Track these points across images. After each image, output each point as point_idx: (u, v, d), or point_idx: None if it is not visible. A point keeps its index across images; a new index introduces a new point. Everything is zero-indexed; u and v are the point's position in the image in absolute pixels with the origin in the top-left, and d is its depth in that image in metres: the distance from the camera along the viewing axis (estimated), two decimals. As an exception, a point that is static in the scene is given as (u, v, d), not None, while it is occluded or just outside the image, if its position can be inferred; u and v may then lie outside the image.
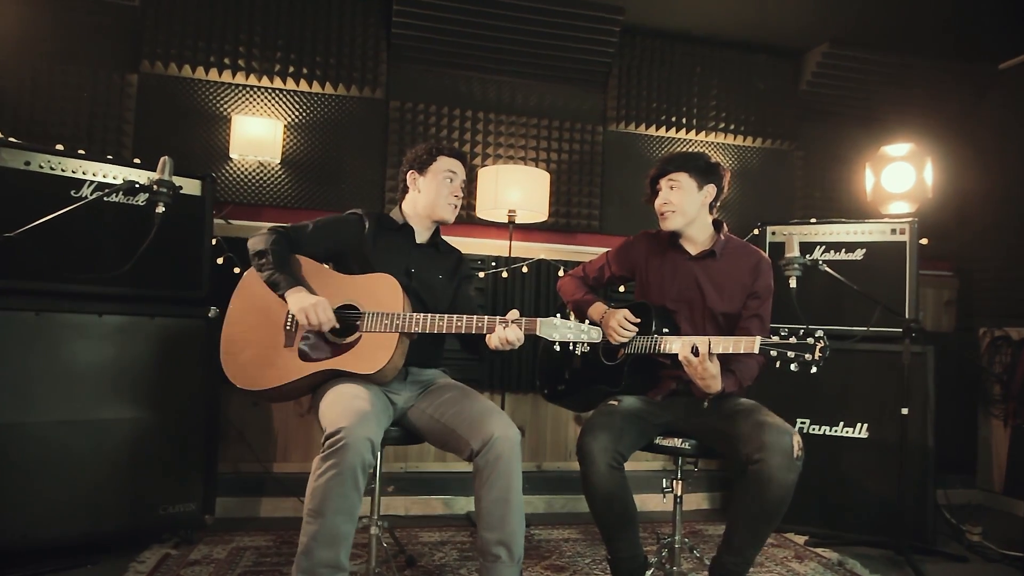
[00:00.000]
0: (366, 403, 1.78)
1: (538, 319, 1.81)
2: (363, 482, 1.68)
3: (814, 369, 1.76)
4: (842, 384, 2.95)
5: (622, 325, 2.10)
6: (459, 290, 2.23)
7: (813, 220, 3.18)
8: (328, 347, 1.93)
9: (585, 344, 1.80)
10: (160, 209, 2.16)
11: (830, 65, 3.77)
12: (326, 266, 2.08)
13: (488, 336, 1.84)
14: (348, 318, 1.94)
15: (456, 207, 2.16)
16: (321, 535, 1.65)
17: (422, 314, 1.88)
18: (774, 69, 3.89)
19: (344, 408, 1.74)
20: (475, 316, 1.86)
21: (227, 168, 3.21)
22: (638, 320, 2.10)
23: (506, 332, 1.80)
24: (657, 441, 2.15)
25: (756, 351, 1.84)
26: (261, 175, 3.25)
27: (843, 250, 3.08)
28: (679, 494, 2.20)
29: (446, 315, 1.87)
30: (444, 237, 2.27)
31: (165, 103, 3.15)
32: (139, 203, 2.43)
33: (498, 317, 1.84)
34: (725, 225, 2.25)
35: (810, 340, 1.76)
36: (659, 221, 2.21)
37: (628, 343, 2.12)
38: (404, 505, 3.10)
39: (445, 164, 2.12)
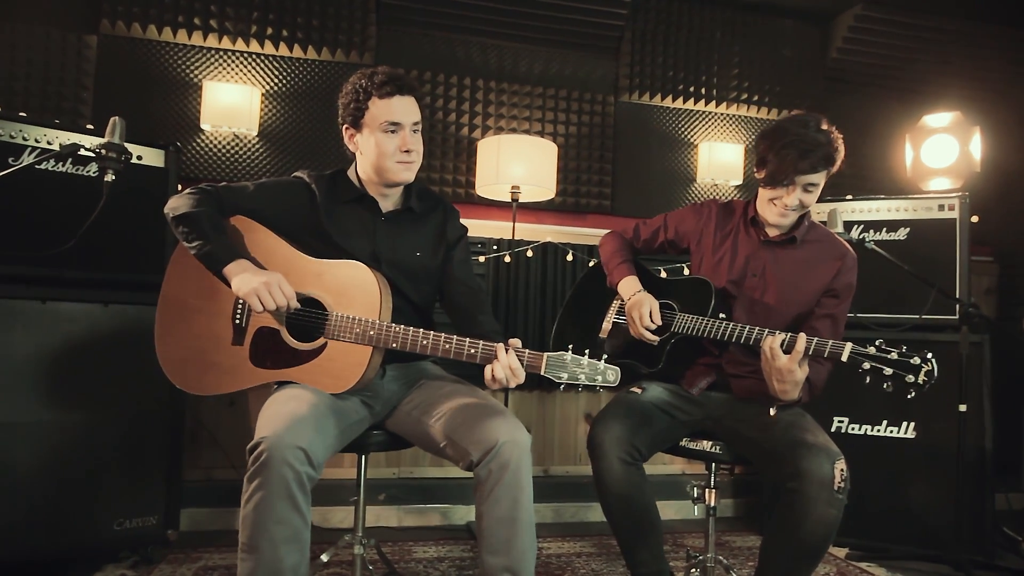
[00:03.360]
0: (302, 405, 1.44)
1: (544, 355, 1.47)
2: (304, 498, 1.37)
3: (912, 395, 1.49)
4: (886, 378, 2.64)
5: (643, 322, 1.80)
6: (448, 265, 1.79)
7: (849, 197, 2.87)
8: (286, 351, 1.58)
9: (599, 387, 1.48)
10: (109, 177, 1.91)
11: (863, 29, 3.47)
12: (282, 239, 1.65)
13: (485, 370, 1.49)
14: (310, 319, 1.57)
15: (411, 164, 1.65)
16: (260, 573, 1.34)
17: (401, 327, 1.51)
18: (801, 34, 3.59)
19: (272, 414, 1.42)
20: (467, 340, 1.50)
21: (198, 140, 2.90)
22: (660, 324, 1.82)
23: (502, 373, 1.46)
24: (684, 443, 1.86)
25: (845, 359, 1.54)
26: (236, 148, 2.95)
27: (884, 229, 2.77)
28: (712, 504, 1.92)
29: (431, 334, 1.52)
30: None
31: (128, 68, 2.84)
32: (92, 174, 2.15)
33: (497, 345, 1.48)
34: (811, 209, 1.87)
35: (915, 359, 1.49)
36: (768, 212, 1.81)
37: (676, 321, 1.82)
38: (397, 516, 2.79)
39: (382, 112, 1.61)
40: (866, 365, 1.52)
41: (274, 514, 1.33)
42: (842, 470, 1.53)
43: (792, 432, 1.64)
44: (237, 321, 1.62)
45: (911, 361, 1.49)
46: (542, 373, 1.47)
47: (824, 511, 1.51)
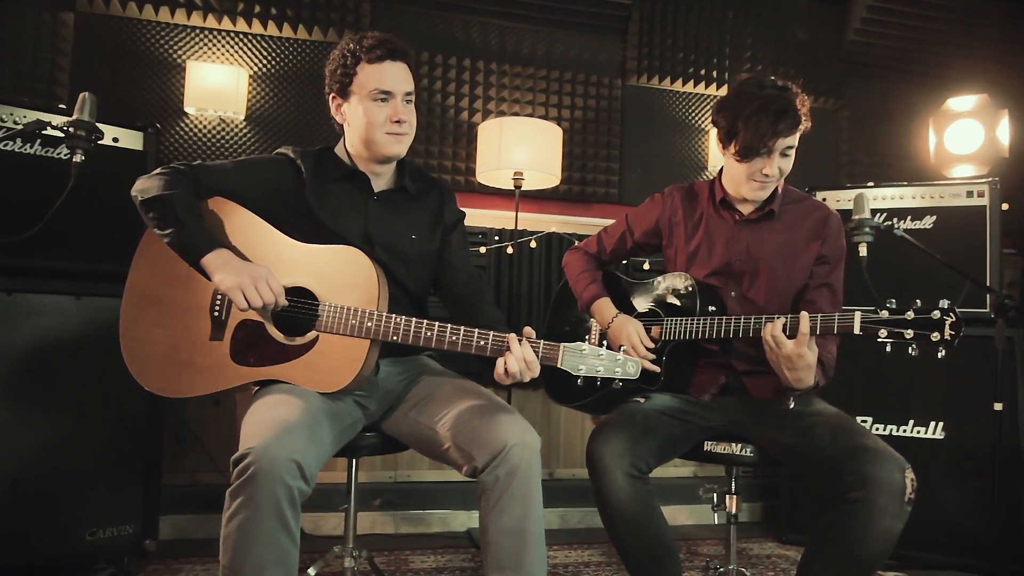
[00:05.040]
0: (293, 411, 1.29)
1: (561, 346, 1.33)
2: (294, 517, 1.22)
3: (941, 353, 1.34)
4: (911, 375, 2.50)
5: (639, 352, 1.64)
6: (445, 251, 1.66)
7: (871, 184, 2.73)
8: (272, 347, 1.42)
9: (619, 381, 1.34)
10: (78, 157, 1.77)
11: (882, 9, 3.36)
12: (266, 223, 1.51)
13: (497, 364, 1.35)
14: (299, 311, 1.42)
15: (403, 136, 1.52)
16: None
17: (403, 318, 1.37)
18: (817, 15, 3.48)
19: (259, 420, 1.27)
20: (476, 330, 1.35)
21: (182, 124, 2.77)
22: (653, 344, 1.67)
23: (516, 366, 1.32)
24: (708, 448, 1.71)
25: (857, 331, 1.39)
26: (222, 132, 2.82)
27: (909, 217, 2.62)
28: (734, 511, 1.78)
29: (436, 324, 1.37)
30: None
31: (106, 48, 2.71)
32: (64, 156, 2.00)
33: (509, 335, 1.34)
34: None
35: (935, 314, 1.33)
36: (746, 188, 1.65)
37: (664, 327, 1.67)
38: (393, 523, 2.64)
39: (372, 78, 1.47)
40: (883, 333, 1.37)
41: (260, 535, 1.19)
42: (912, 480, 1.39)
43: (843, 437, 1.49)
44: (216, 314, 1.46)
45: (931, 317, 1.33)
46: (559, 366, 1.33)
47: (890, 524, 1.37)
